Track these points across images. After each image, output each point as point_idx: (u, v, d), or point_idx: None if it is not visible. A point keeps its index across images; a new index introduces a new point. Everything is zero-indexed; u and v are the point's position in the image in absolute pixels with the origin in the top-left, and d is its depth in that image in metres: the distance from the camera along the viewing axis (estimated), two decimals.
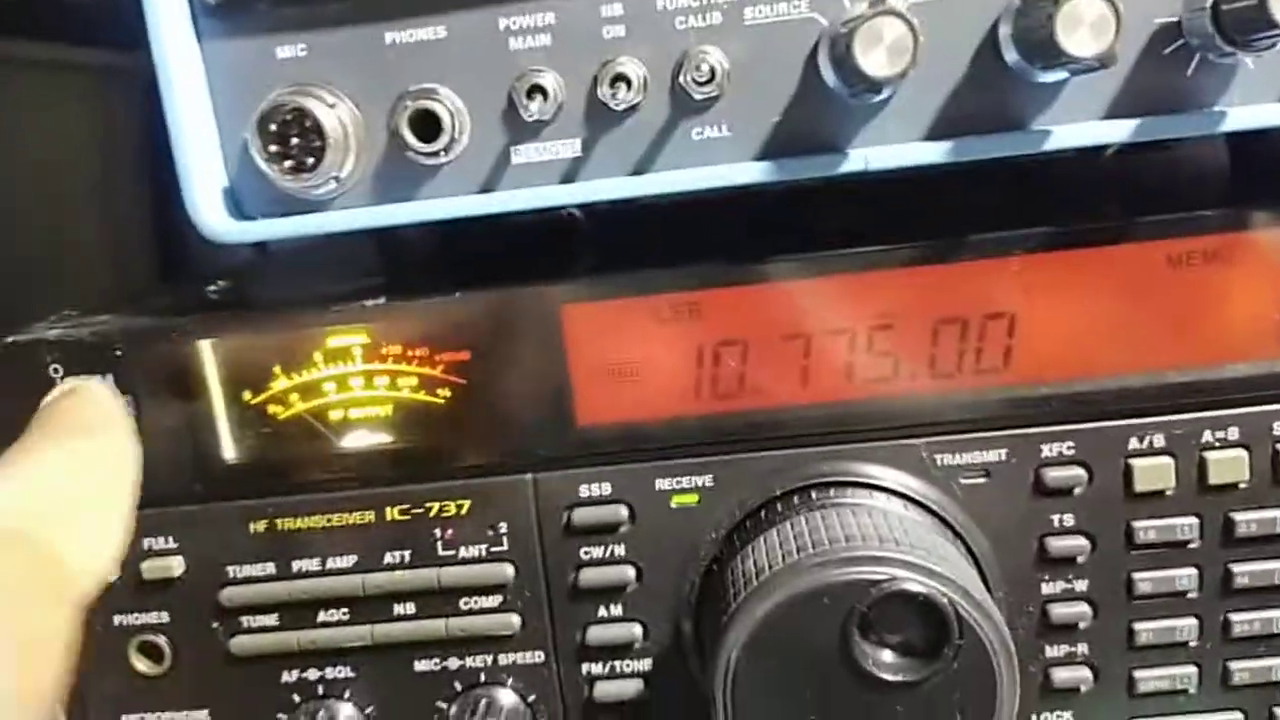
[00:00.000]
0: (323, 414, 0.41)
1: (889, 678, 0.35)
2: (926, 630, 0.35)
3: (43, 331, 0.41)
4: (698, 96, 0.36)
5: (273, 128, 0.36)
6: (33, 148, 0.55)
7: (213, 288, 0.45)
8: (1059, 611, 0.40)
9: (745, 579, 0.36)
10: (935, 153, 0.36)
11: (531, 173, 0.38)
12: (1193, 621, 0.40)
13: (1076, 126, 0.36)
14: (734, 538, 0.40)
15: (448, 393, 0.41)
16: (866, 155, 0.36)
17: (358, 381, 0.41)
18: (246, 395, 0.41)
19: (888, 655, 0.35)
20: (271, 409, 0.41)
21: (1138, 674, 0.41)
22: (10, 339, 0.40)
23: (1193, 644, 0.40)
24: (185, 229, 0.71)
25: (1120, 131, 0.36)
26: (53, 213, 0.59)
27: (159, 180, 0.70)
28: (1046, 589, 0.40)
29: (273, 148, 0.37)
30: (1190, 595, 0.40)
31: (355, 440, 0.41)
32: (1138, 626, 0.40)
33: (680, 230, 0.46)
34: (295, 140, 0.37)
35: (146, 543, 0.42)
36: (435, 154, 0.37)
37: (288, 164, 0.37)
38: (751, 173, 0.36)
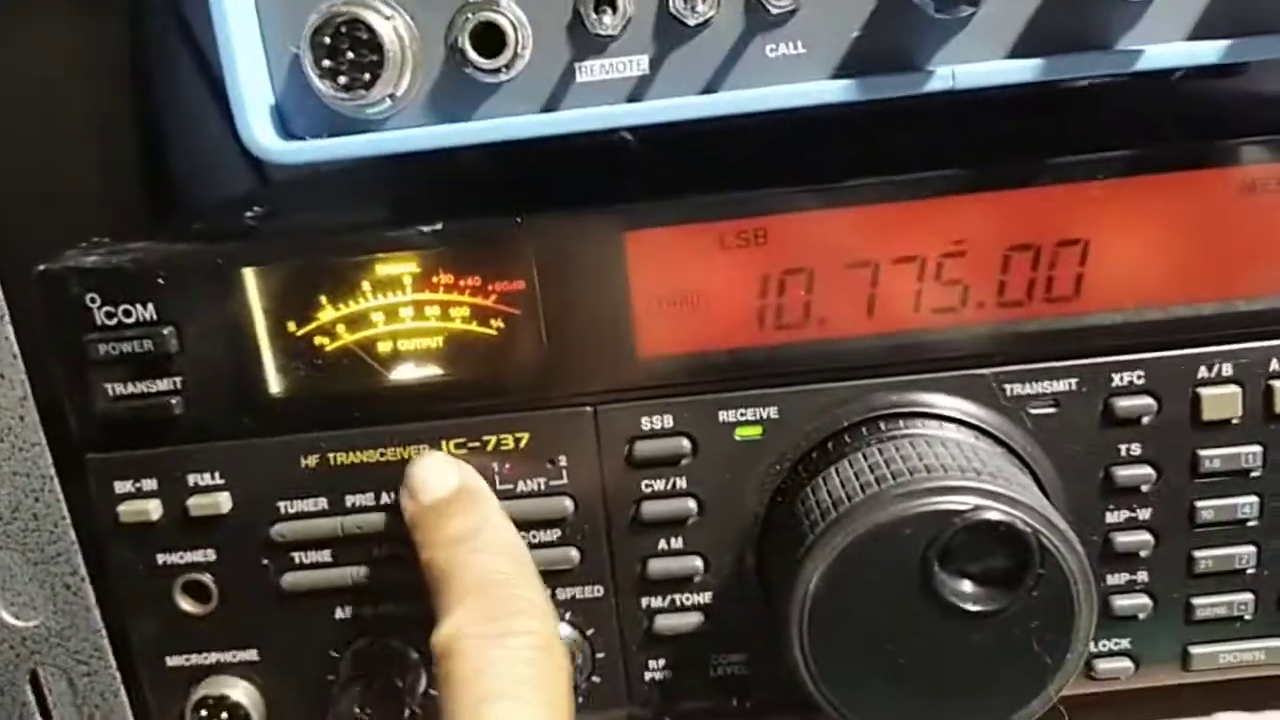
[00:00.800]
0: (371, 346, 0.40)
1: (968, 607, 0.34)
2: (1006, 559, 0.35)
3: (77, 259, 0.39)
4: (774, 10, 0.34)
5: (326, 40, 0.34)
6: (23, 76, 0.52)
7: (250, 214, 0.43)
8: (1122, 540, 0.40)
9: (821, 510, 0.36)
10: (1024, 71, 0.34)
11: (596, 91, 0.36)
12: (1251, 549, 0.40)
13: (1165, 47, 0.35)
14: (800, 470, 0.39)
15: (501, 323, 0.39)
16: (954, 72, 0.34)
17: (408, 312, 0.40)
18: (291, 326, 0.40)
19: (967, 585, 0.35)
20: (318, 340, 0.40)
21: (1196, 601, 0.41)
22: (43, 267, 0.38)
23: (1250, 571, 0.41)
24: (181, 158, 0.68)
25: (1209, 53, 0.35)
26: (45, 144, 0.57)
27: (150, 108, 0.67)
28: (1111, 518, 0.40)
29: (325, 63, 0.35)
30: (1250, 523, 0.40)
31: (407, 372, 0.40)
32: (1197, 554, 0.40)
33: (740, 153, 0.44)
34: (350, 55, 0.35)
35: (192, 479, 0.40)
36: (497, 70, 0.35)
37: (341, 80, 0.35)
38: (832, 92, 0.35)
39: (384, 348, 0.40)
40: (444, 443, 0.40)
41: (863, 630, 0.35)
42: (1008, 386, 0.39)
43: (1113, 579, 0.41)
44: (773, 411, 0.39)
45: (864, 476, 0.36)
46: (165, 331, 0.38)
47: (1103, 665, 0.41)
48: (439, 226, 0.38)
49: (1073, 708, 0.39)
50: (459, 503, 0.38)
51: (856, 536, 0.34)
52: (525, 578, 0.37)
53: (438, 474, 0.39)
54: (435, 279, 0.39)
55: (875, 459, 0.36)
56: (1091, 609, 0.35)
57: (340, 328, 0.40)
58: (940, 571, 0.35)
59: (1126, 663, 0.41)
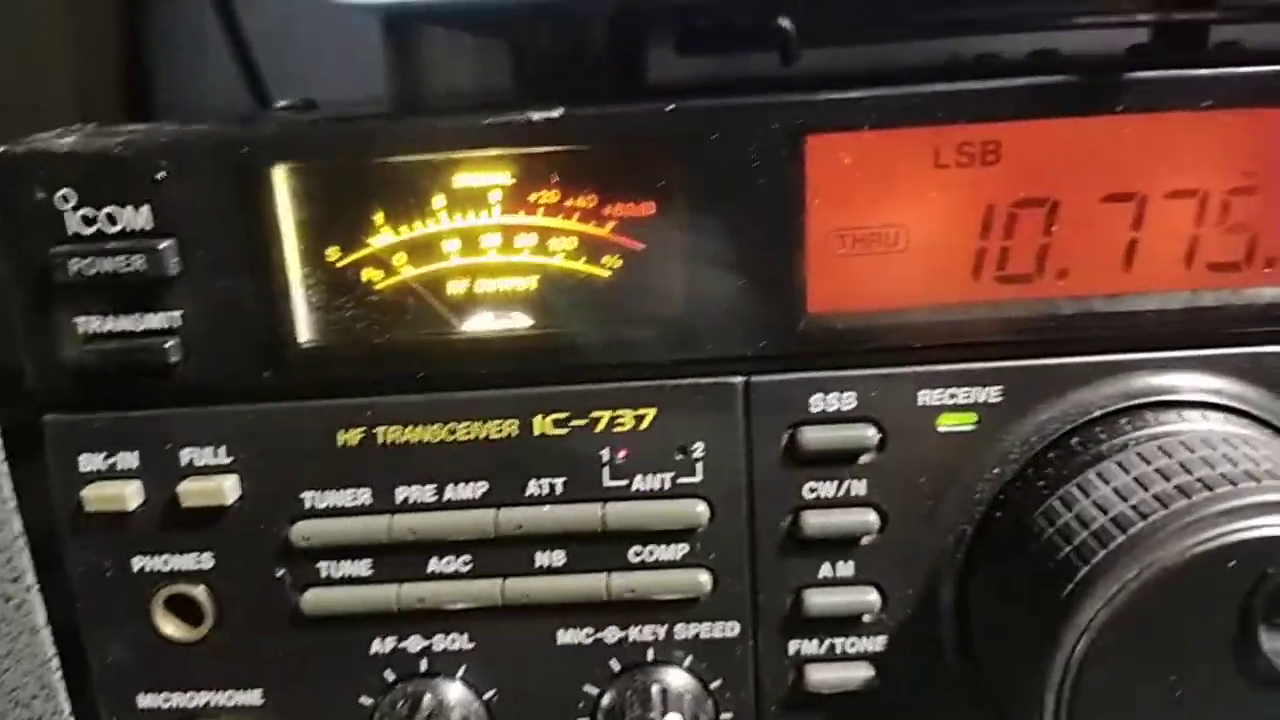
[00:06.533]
0: (439, 284, 0.29)
1: None
2: None
3: (47, 142, 0.28)
4: None
5: None
6: None
7: (283, 103, 0.32)
8: None
9: (1093, 531, 0.25)
10: None
11: None
12: None
13: None
14: (1033, 474, 0.29)
15: (618, 261, 0.29)
16: None
17: (492, 239, 0.29)
18: (332, 253, 0.29)
19: None
20: (368, 273, 0.29)
21: None
22: (2, 148, 0.28)
23: None
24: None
25: None
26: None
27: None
28: None
29: None
30: None
31: (488, 322, 0.30)
32: None
33: (969, 42, 0.34)
34: None
35: (187, 455, 0.30)
36: None
37: None
38: None
39: (457, 288, 0.30)
40: (535, 419, 0.30)
41: (1145, 701, 0.25)
42: None
43: None
44: (993, 394, 0.30)
45: (1154, 485, 0.25)
46: (163, 246, 0.28)
47: None
48: (555, 113, 0.27)
49: None
50: None
51: (1160, 570, 0.24)
52: None
53: None
54: (532, 196, 0.29)
55: (1163, 462, 0.26)
56: None
57: (399, 258, 0.29)
58: (1263, 622, 0.24)
59: None
